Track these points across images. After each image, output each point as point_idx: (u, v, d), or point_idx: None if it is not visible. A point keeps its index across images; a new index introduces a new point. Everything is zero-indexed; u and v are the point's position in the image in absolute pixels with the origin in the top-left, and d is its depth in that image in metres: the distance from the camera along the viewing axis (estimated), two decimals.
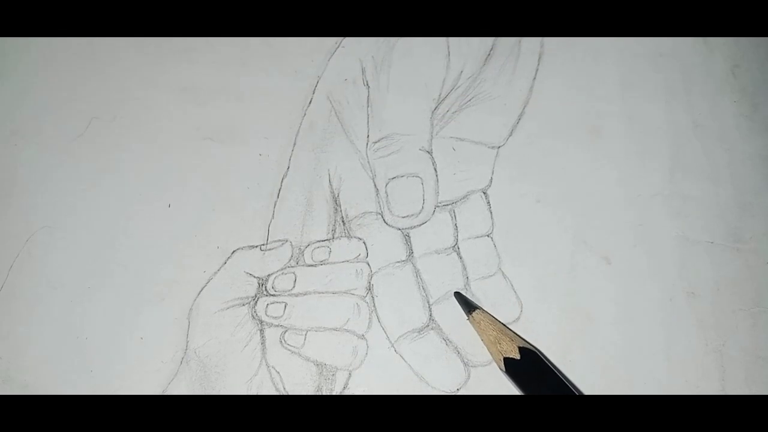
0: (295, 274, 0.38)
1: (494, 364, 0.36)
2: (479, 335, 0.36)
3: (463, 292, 0.37)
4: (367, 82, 0.41)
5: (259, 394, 0.36)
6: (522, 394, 0.34)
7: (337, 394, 0.36)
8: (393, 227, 0.39)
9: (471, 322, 0.36)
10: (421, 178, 0.39)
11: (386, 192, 0.39)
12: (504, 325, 0.36)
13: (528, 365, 0.34)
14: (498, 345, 0.34)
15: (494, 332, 0.35)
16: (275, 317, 0.37)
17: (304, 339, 0.36)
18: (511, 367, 0.34)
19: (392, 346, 0.37)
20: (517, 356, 0.34)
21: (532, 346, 0.35)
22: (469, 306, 0.37)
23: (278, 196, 0.39)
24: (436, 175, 0.40)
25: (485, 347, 0.36)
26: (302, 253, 0.38)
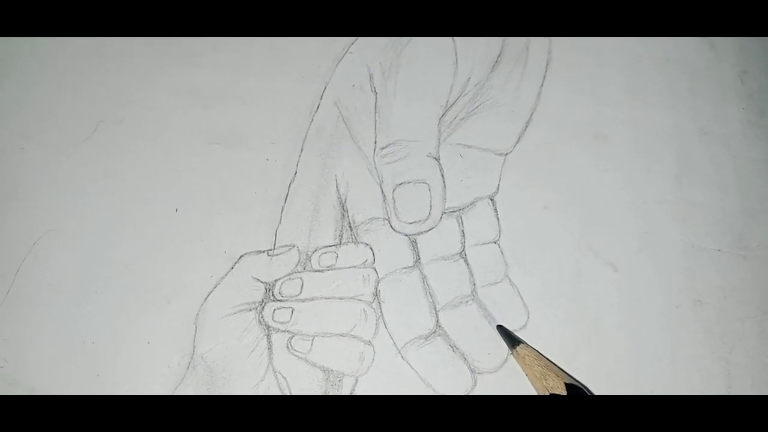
0: (302, 280, 0.38)
1: (501, 371, 0.36)
2: (523, 370, 0.35)
3: (474, 301, 0.38)
4: (374, 88, 0.41)
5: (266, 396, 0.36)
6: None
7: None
8: (400, 233, 0.39)
9: (515, 357, 0.36)
10: (428, 185, 0.39)
11: (393, 198, 0.39)
12: (548, 359, 0.35)
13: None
14: (544, 381, 0.34)
15: (539, 368, 0.34)
16: (282, 322, 0.37)
17: (311, 344, 0.36)
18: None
19: (399, 352, 0.37)
20: (564, 392, 0.33)
21: (578, 381, 0.35)
22: (512, 340, 0.36)
23: (285, 202, 0.39)
24: (444, 182, 0.40)
25: (530, 382, 0.35)
26: (309, 258, 0.38)
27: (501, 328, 0.37)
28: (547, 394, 0.34)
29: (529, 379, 0.35)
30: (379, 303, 0.37)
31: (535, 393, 0.35)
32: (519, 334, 0.37)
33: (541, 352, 0.35)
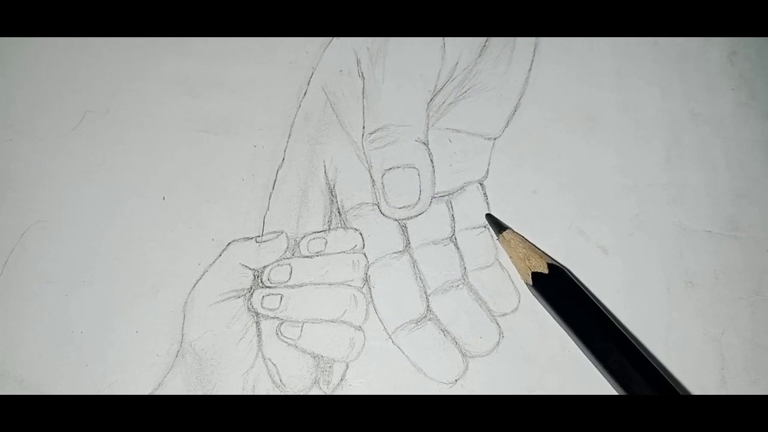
0: (290, 266, 0.37)
1: (493, 355, 0.36)
2: (508, 254, 0.37)
3: (465, 286, 0.37)
4: (362, 73, 0.41)
5: (255, 387, 0.35)
6: (549, 311, 0.36)
7: (334, 392, 0.35)
8: (389, 218, 0.39)
9: (501, 242, 0.37)
10: (417, 169, 0.39)
11: (382, 183, 0.39)
12: (533, 244, 0.37)
13: (555, 281, 0.35)
14: (527, 261, 0.35)
15: (524, 249, 0.36)
16: (271, 309, 0.37)
17: (301, 331, 0.36)
18: (538, 282, 0.35)
19: (389, 337, 0.36)
20: (545, 271, 0.35)
21: (560, 264, 0.36)
22: (499, 226, 0.37)
23: (273, 188, 0.39)
24: (433, 166, 0.39)
25: (514, 265, 0.37)
26: (298, 244, 0.38)
27: (489, 216, 0.38)
28: (529, 273, 0.35)
29: (512, 261, 0.37)
30: (369, 288, 0.37)
31: (524, 375, 0.35)
32: (510, 317, 0.37)
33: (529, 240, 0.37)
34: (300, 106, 0.41)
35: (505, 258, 0.38)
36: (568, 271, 0.35)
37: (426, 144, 0.40)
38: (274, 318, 0.37)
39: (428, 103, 0.41)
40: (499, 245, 0.38)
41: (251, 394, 0.35)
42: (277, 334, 0.36)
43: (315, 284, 0.37)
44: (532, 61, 0.42)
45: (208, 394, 0.35)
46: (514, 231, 0.37)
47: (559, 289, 0.35)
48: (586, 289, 0.35)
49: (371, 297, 0.37)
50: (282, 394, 0.35)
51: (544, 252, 0.36)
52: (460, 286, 0.37)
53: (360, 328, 0.37)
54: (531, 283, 0.35)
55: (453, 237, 0.38)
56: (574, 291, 0.35)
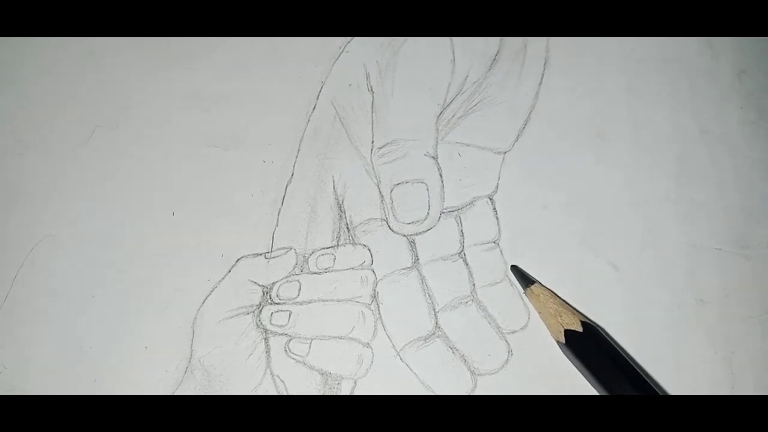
0: (299, 282, 0.37)
1: (502, 373, 0.36)
2: (537, 309, 0.36)
3: (474, 302, 0.37)
4: (371, 87, 0.41)
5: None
6: (581, 371, 0.35)
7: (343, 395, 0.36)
8: (398, 234, 0.38)
9: (528, 296, 0.36)
10: (426, 184, 0.39)
11: (391, 198, 0.38)
12: (563, 300, 0.36)
13: (589, 339, 0.34)
14: (559, 317, 0.34)
15: (555, 305, 0.35)
16: (280, 326, 0.37)
17: (309, 347, 0.36)
18: (571, 340, 0.34)
19: (398, 354, 0.36)
20: (579, 329, 0.34)
21: (594, 322, 0.35)
22: (526, 280, 0.37)
23: (282, 203, 0.39)
24: (442, 181, 0.39)
25: (543, 321, 0.36)
26: (307, 260, 0.38)
27: (515, 268, 0.37)
28: (562, 330, 0.34)
29: (542, 317, 0.36)
30: (377, 305, 0.37)
31: (534, 393, 0.35)
32: (519, 335, 0.37)
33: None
34: (309, 120, 0.41)
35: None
36: (602, 329, 0.35)
37: (435, 158, 0.40)
38: (282, 334, 0.37)
39: (438, 117, 0.40)
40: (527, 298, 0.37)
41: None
42: (286, 350, 0.36)
43: (323, 301, 0.37)
44: (543, 75, 0.42)
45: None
46: (542, 285, 0.36)
47: (593, 349, 0.34)
48: (621, 348, 0.34)
49: (379, 313, 0.37)
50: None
51: (575, 309, 0.36)
52: (469, 302, 0.37)
53: (368, 345, 0.37)
54: (564, 341, 0.34)
55: (462, 253, 0.38)
56: (610, 351, 0.34)
